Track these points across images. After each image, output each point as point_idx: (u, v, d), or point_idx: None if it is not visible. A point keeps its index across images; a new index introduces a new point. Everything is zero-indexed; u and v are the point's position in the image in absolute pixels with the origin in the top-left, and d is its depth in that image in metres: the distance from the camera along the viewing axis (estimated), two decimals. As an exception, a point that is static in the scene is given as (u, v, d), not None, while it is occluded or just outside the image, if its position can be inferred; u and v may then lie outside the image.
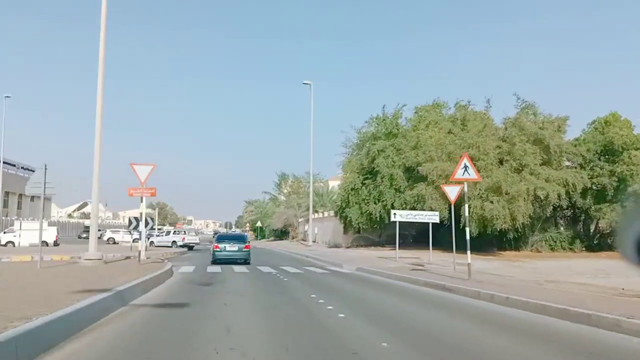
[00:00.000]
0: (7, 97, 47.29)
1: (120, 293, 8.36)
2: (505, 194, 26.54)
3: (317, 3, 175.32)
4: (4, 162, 49.39)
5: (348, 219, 35.45)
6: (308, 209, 52.02)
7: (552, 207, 29.15)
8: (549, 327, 6.98)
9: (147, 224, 27.67)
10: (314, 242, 47.77)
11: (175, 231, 46.62)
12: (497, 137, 30.03)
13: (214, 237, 33.40)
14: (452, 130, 31.18)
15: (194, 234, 49.73)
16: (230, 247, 21.19)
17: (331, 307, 8.44)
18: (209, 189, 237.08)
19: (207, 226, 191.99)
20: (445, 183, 28.35)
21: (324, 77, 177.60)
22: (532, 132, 28.61)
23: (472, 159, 29.18)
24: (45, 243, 26.59)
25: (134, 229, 19.95)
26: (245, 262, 20.71)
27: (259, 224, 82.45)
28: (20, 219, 45.13)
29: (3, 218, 52.10)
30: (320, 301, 9.23)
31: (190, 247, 39.56)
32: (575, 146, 30.45)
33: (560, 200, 28.31)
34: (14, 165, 58.46)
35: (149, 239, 33.69)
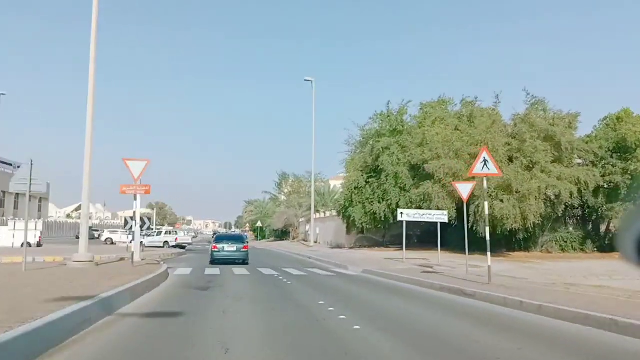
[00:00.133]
0: (3, 94, 46.41)
1: (106, 300, 7.38)
2: (516, 192, 25.53)
3: (317, 3, 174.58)
4: (0, 162, 48.46)
5: (351, 218, 34.41)
6: (309, 209, 51.08)
7: (563, 206, 28.12)
8: (611, 346, 5.93)
9: (143, 223, 26.77)
10: (316, 242, 46.77)
11: (167, 231, 45.42)
12: (505, 134, 29.03)
13: (213, 237, 32.52)
14: (458, 127, 30.19)
15: (184, 234, 48.62)
16: (229, 248, 21.23)
17: (343, 316, 7.46)
18: (209, 189, 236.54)
19: (206, 226, 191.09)
20: (453, 181, 27.50)
21: (324, 77, 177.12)
22: (543, 128, 27.61)
23: (480, 156, 28.48)
24: (28, 244, 25.61)
25: (130, 229, 19.07)
26: (244, 262, 20.71)
27: (259, 224, 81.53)
28: (15, 219, 44.21)
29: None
30: (330, 309, 8.25)
31: (182, 247, 38.62)
32: (587, 143, 29.42)
33: (572, 199, 27.31)
34: (11, 165, 57.55)
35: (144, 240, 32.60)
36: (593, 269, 20.70)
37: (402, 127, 33.68)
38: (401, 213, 22.09)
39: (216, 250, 21.24)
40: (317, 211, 50.22)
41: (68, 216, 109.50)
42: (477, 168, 11.75)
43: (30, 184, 13.52)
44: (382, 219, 31.90)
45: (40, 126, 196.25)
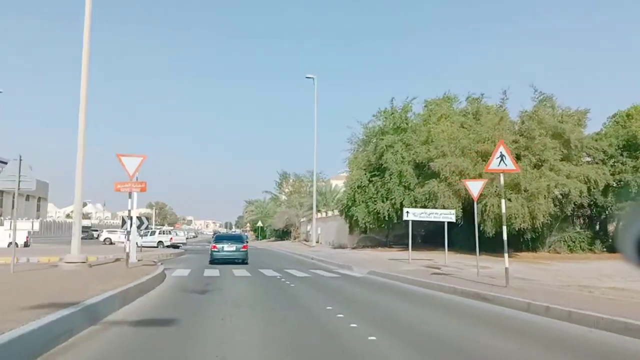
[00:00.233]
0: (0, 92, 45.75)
1: (91, 307, 6.64)
2: (524, 191, 24.76)
3: (317, 3, 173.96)
4: (-2, 161, 47.80)
5: (354, 218, 33.61)
6: (310, 209, 50.33)
7: (572, 205, 27.35)
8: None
9: (141, 223, 26.07)
10: (318, 242, 45.99)
11: (161, 231, 44.61)
12: (512, 131, 28.28)
13: (213, 237, 31.89)
14: (464, 124, 29.44)
15: (177, 233, 47.82)
16: (228, 247, 21.34)
17: (355, 324, 6.71)
18: (209, 189, 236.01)
19: (207, 226, 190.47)
20: (459, 179, 26.76)
21: (324, 77, 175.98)
22: (552, 125, 26.83)
23: (487, 154, 27.52)
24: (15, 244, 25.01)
25: (130, 229, 18.37)
26: (243, 262, 20.89)
27: (259, 224, 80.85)
28: (12, 218, 43.50)
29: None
30: (339, 316, 7.53)
31: (176, 247, 37.97)
32: (597, 140, 28.65)
33: (581, 197, 26.55)
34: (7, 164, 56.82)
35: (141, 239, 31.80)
36: (604, 269, 19.97)
37: (407, 124, 32.90)
38: (407, 212, 21.33)
39: (216, 250, 21.30)
40: (318, 211, 49.47)
41: (67, 216, 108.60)
42: (494, 164, 11.02)
43: (19, 181, 12.82)
44: (386, 219, 31.14)
45: (40, 126, 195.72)
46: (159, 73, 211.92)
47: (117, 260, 18.10)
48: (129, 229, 15.00)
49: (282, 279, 14.20)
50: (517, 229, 25.48)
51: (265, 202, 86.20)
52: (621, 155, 29.01)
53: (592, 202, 29.54)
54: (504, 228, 11.69)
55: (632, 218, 1.86)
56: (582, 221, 32.45)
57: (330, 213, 49.59)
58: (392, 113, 33.72)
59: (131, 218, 16.16)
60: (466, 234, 28.09)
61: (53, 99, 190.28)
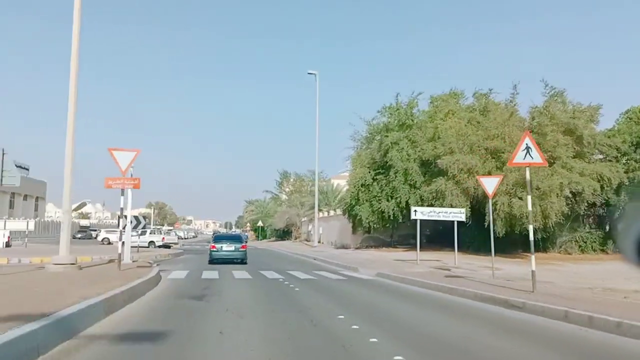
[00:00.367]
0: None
1: (67, 318, 5.69)
2: (536, 189, 23.78)
3: (317, 3, 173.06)
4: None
5: (357, 217, 32.63)
6: (311, 208, 49.36)
7: (585, 204, 26.38)
8: None
9: (138, 222, 25.06)
10: (320, 242, 44.99)
11: (152, 230, 43.61)
12: (522, 127, 27.31)
13: (212, 237, 31.04)
14: (472, 120, 28.49)
15: (175, 233, 46.87)
16: (227, 247, 21.32)
17: (375, 339, 5.76)
18: (209, 189, 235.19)
19: (207, 226, 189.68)
20: (468, 177, 25.82)
21: (324, 77, 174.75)
22: (564, 121, 25.87)
23: (497, 151, 26.64)
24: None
25: (123, 228, 17.43)
26: (242, 261, 20.98)
27: (260, 223, 79.90)
28: (8, 218, 42.65)
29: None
30: (354, 327, 6.57)
31: (167, 247, 37.17)
32: (609, 137, 27.69)
33: (594, 196, 25.59)
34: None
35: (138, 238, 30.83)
36: (620, 271, 19.03)
37: (412, 120, 31.91)
38: (415, 211, 20.38)
39: (215, 250, 21.27)
40: (320, 210, 48.50)
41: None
42: (519, 157, 10.06)
43: (2, 177, 11.89)
44: (391, 218, 30.17)
45: (40, 126, 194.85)
46: (159, 73, 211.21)
47: (111, 261, 17.14)
48: (121, 228, 14.03)
49: (285, 282, 13.26)
50: (527, 229, 24.55)
51: (265, 201, 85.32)
52: (634, 152, 28.04)
53: (604, 201, 28.58)
54: (531, 227, 10.83)
55: (632, 218, 1.84)
56: (592, 221, 31.49)
57: (332, 212, 48.65)
58: (397, 109, 32.72)
59: (125, 217, 15.19)
60: (474, 234, 27.12)
61: (53, 99, 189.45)
